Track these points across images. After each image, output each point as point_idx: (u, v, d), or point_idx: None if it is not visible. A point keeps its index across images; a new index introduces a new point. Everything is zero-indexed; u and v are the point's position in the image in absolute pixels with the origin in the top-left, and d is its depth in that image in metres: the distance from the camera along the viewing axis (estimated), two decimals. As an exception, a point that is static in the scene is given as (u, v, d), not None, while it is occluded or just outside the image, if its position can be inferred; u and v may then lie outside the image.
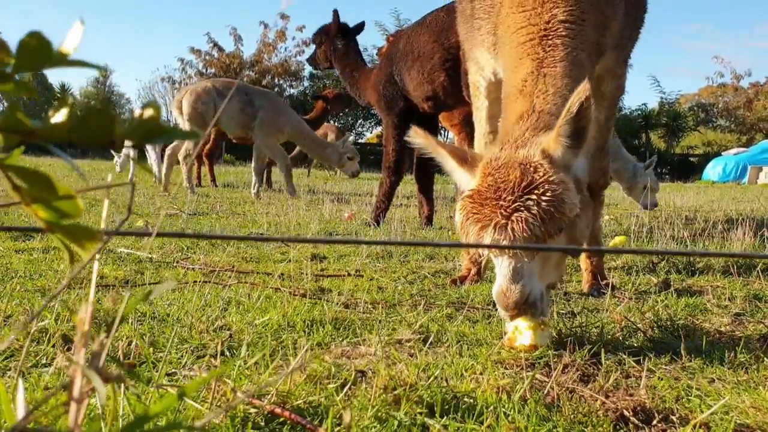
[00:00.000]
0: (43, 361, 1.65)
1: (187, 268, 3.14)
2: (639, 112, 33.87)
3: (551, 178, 1.84)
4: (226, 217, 5.76)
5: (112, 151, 13.69)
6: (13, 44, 0.46)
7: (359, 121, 35.14)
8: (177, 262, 3.32)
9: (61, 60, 0.45)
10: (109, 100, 43.83)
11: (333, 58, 6.26)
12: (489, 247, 1.86)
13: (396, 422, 1.28)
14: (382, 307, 2.41)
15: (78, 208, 0.52)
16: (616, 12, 2.53)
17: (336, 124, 23.95)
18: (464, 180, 2.06)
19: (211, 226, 4.93)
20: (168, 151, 9.00)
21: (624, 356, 1.83)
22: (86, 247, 0.54)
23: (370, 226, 5.27)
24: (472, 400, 1.40)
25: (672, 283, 2.98)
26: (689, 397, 1.56)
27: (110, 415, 0.61)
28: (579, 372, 1.70)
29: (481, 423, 1.31)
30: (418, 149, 2.13)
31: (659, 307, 2.50)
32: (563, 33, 2.23)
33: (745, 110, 36.25)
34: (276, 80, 30.86)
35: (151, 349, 1.74)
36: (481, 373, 1.62)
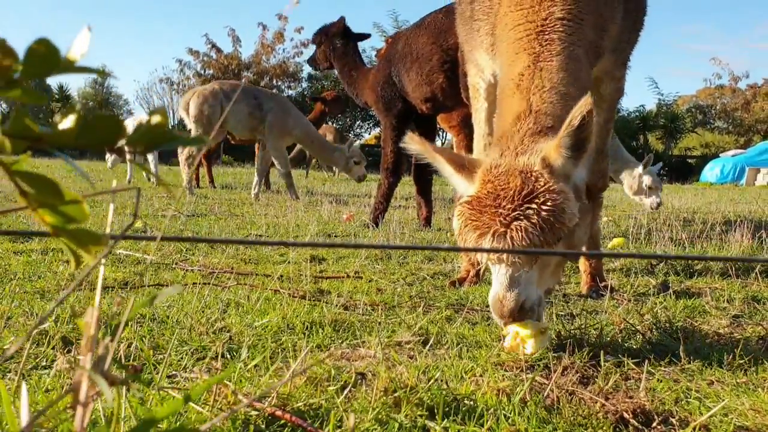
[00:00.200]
0: (43, 363, 1.65)
1: (186, 270, 3.14)
2: (637, 113, 33.89)
3: (552, 188, 1.83)
4: (225, 218, 5.76)
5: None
6: (16, 47, 0.46)
7: (357, 123, 35.16)
8: (176, 263, 3.32)
9: (69, 66, 0.45)
10: (107, 102, 43.79)
11: (332, 58, 6.27)
12: (488, 251, 1.85)
13: (397, 425, 1.28)
14: (382, 309, 2.42)
15: (84, 213, 0.52)
16: (615, 15, 2.53)
17: (334, 125, 23.97)
18: (462, 186, 2.05)
19: (209, 228, 4.93)
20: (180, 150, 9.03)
21: (623, 358, 1.84)
22: (92, 252, 0.54)
23: (368, 227, 5.28)
24: (472, 403, 1.40)
25: (670, 285, 2.99)
26: (688, 399, 1.56)
27: (114, 419, 0.61)
28: (578, 374, 1.70)
29: (482, 425, 1.32)
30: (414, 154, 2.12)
31: (658, 309, 2.51)
32: (560, 29, 2.23)
33: (742, 112, 36.30)
34: (274, 81, 30.84)
35: (152, 351, 1.74)
36: (481, 376, 1.62)
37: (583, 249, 3.11)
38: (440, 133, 17.61)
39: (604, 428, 1.35)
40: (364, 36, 6.42)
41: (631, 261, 3.73)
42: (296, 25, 32.68)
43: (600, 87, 2.88)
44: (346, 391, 1.44)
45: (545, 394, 1.51)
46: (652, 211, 7.45)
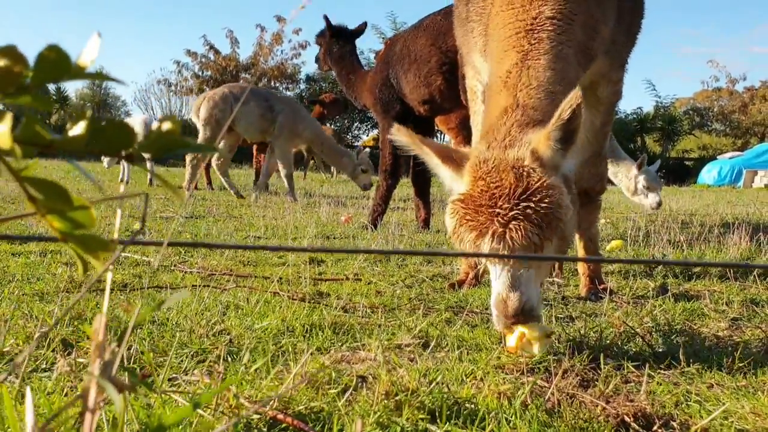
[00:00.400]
0: (43, 366, 1.65)
1: (185, 272, 3.14)
2: (634, 115, 33.94)
3: (546, 183, 1.82)
4: (223, 220, 5.76)
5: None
6: (19, 48, 0.46)
7: (355, 124, 35.15)
8: (174, 265, 3.31)
9: (79, 73, 0.45)
10: (104, 103, 43.74)
11: (330, 61, 6.28)
12: (489, 256, 1.85)
13: (398, 428, 1.28)
14: (381, 312, 2.42)
15: (92, 219, 0.52)
16: (607, 16, 2.53)
17: (333, 127, 23.95)
18: (448, 177, 2.03)
19: (207, 229, 4.92)
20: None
21: (623, 361, 1.84)
22: (100, 258, 0.54)
23: (367, 229, 5.28)
24: (473, 406, 1.40)
25: (669, 288, 3.00)
26: (688, 403, 1.57)
27: (121, 425, 0.61)
28: (579, 377, 1.70)
29: (483, 429, 1.32)
30: (405, 150, 2.10)
31: (657, 312, 2.51)
32: (549, 28, 2.23)
33: (740, 114, 36.38)
34: (272, 83, 30.82)
35: (152, 354, 1.74)
36: (481, 379, 1.62)
37: (580, 248, 3.13)
38: (438, 135, 17.63)
39: (605, 432, 1.35)
40: (359, 31, 6.40)
41: (630, 264, 3.73)
42: (294, 27, 32.64)
43: (597, 90, 2.88)
44: (347, 395, 1.44)
45: (546, 397, 1.51)
46: (652, 212, 7.45)
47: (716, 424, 1.41)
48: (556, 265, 3.28)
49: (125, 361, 1.65)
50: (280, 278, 2.95)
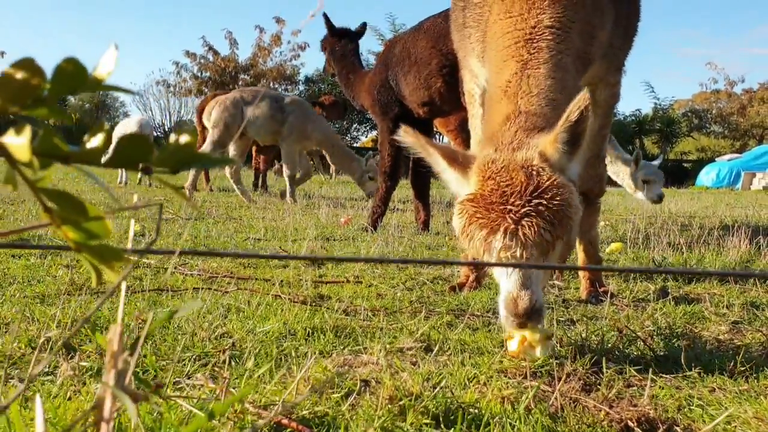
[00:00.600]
0: (46, 370, 1.65)
1: (186, 274, 3.13)
2: (633, 117, 33.97)
3: (556, 181, 1.83)
4: (223, 221, 5.76)
5: None
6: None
7: (354, 126, 35.15)
8: (176, 267, 3.31)
9: (96, 85, 0.45)
10: (103, 104, 43.71)
11: (332, 61, 6.28)
12: (494, 265, 1.85)
13: (402, 433, 1.28)
14: (383, 315, 2.42)
15: (107, 230, 0.52)
16: (604, 21, 2.53)
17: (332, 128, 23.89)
18: (455, 181, 2.03)
19: (207, 231, 4.92)
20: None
21: (625, 365, 1.84)
22: (114, 268, 0.54)
23: (367, 231, 5.28)
24: (477, 411, 1.41)
25: (669, 291, 3.00)
26: (691, 407, 1.57)
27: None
28: (581, 381, 1.70)
29: (487, 433, 1.32)
30: (412, 153, 2.10)
31: (658, 315, 2.51)
32: (549, 37, 2.24)
33: (738, 116, 36.39)
34: (271, 84, 30.82)
35: (154, 357, 1.74)
36: (485, 383, 1.62)
37: (580, 251, 3.13)
38: (437, 136, 17.64)
39: (608, 436, 1.36)
40: (360, 32, 6.40)
41: (630, 266, 3.74)
42: (293, 28, 32.64)
43: (594, 93, 2.88)
44: (350, 399, 1.44)
45: (550, 402, 1.51)
46: (655, 205, 7.45)
47: (719, 429, 1.42)
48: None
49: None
50: (281, 281, 2.95)
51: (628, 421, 1.39)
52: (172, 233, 4.72)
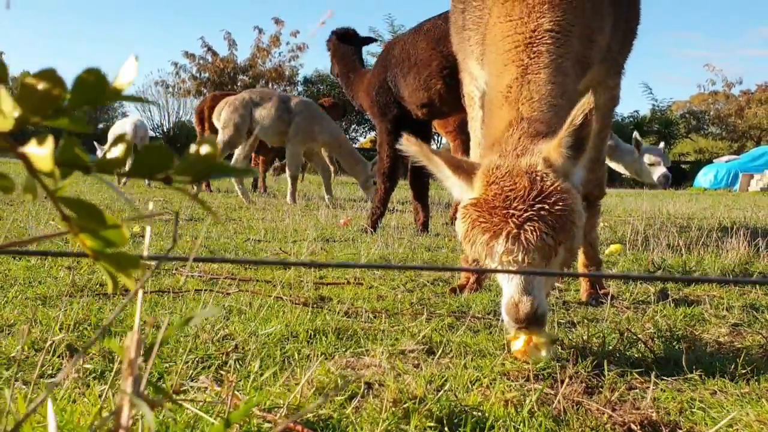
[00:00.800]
0: (49, 372, 1.65)
1: (187, 276, 3.13)
2: (631, 119, 33.99)
3: (560, 187, 1.83)
4: (222, 222, 5.76)
5: (95, 143, 13.59)
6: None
7: (353, 126, 35.17)
8: (176, 269, 3.31)
9: (116, 95, 0.46)
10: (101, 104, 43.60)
11: (335, 60, 6.28)
12: (495, 272, 1.85)
13: (407, 436, 1.28)
14: (384, 317, 2.42)
15: (124, 238, 0.52)
16: (604, 25, 2.54)
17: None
18: (458, 188, 2.03)
19: (207, 232, 4.92)
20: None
21: (626, 368, 1.85)
22: (131, 276, 0.55)
23: (367, 232, 5.28)
24: (480, 414, 1.41)
25: (669, 293, 3.00)
26: (693, 410, 1.57)
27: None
28: (583, 384, 1.70)
29: (490, 436, 1.32)
30: (412, 160, 2.10)
31: (658, 317, 2.52)
32: (548, 41, 2.24)
33: (736, 118, 36.44)
34: (270, 85, 30.83)
35: (158, 359, 1.74)
36: (488, 386, 1.62)
37: (580, 253, 3.14)
38: (435, 137, 17.64)
39: (611, 439, 1.36)
40: (366, 39, 6.42)
41: (630, 268, 3.74)
42: (292, 29, 32.65)
43: (594, 96, 2.89)
44: (354, 402, 1.45)
45: (553, 405, 1.52)
46: (653, 207, 7.46)
47: (721, 432, 1.42)
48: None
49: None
50: (282, 282, 2.96)
51: (631, 425, 1.40)
52: (172, 234, 4.72)
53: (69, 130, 0.45)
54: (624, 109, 41.27)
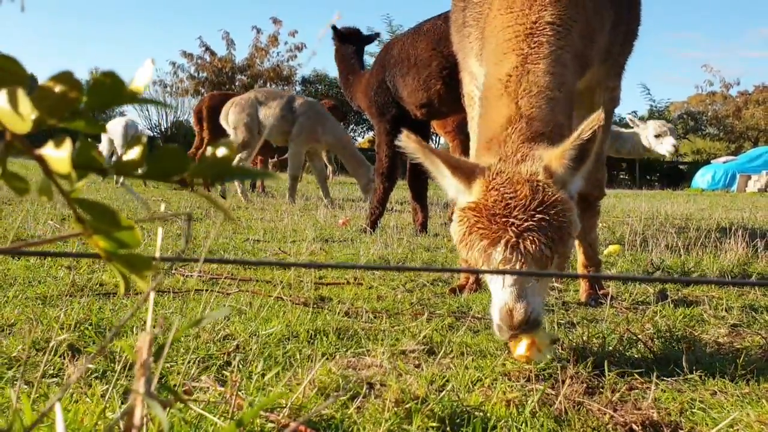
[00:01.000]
0: (50, 372, 1.65)
1: (186, 276, 3.14)
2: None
3: (560, 198, 1.84)
4: (221, 222, 5.75)
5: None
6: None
7: (351, 126, 35.16)
8: (175, 269, 3.31)
9: (132, 98, 0.46)
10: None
11: (336, 60, 6.28)
12: (494, 272, 1.85)
13: (409, 436, 1.29)
14: (385, 317, 2.42)
15: (137, 239, 0.53)
16: (604, 25, 2.55)
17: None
18: (454, 188, 2.02)
19: (206, 232, 4.93)
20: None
21: (627, 368, 1.85)
22: (144, 277, 0.55)
23: (366, 232, 5.29)
24: (482, 414, 1.41)
25: (669, 294, 3.01)
26: (693, 411, 1.58)
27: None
28: (584, 384, 1.71)
29: (493, 437, 1.33)
30: (409, 157, 2.09)
31: (658, 318, 2.53)
32: (549, 33, 2.25)
33: (734, 119, 36.46)
34: (268, 85, 30.80)
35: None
36: (489, 387, 1.63)
37: (580, 254, 3.15)
38: (434, 138, 17.66)
39: (613, 439, 1.37)
40: (369, 38, 6.41)
41: (628, 269, 3.75)
42: (290, 29, 32.64)
43: (594, 97, 2.90)
44: (356, 402, 1.45)
45: (554, 406, 1.52)
46: (651, 207, 7.45)
47: (722, 433, 1.43)
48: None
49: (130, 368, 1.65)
50: (281, 281, 2.96)
51: (633, 425, 1.40)
52: (171, 234, 4.72)
53: (85, 133, 0.46)
54: (622, 109, 41.29)
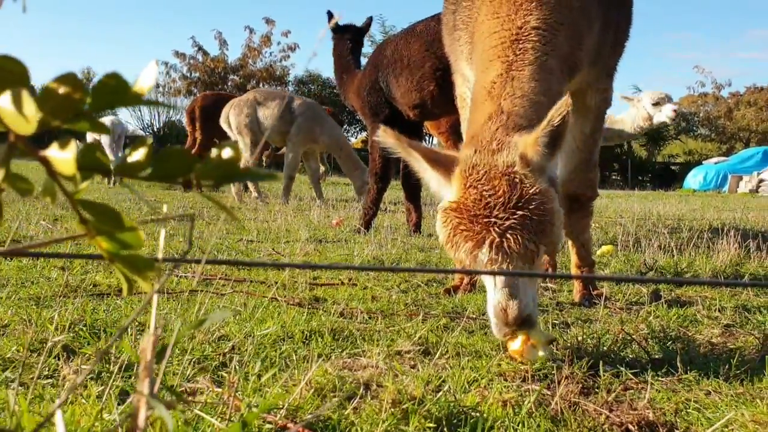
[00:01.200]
0: (45, 373, 1.65)
1: (180, 276, 3.13)
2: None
3: (539, 190, 1.84)
4: (215, 222, 5.74)
5: (76, 141, 13.62)
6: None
7: (344, 126, 35.14)
8: (170, 270, 3.29)
9: (136, 99, 0.46)
10: (91, 103, 43.38)
11: (333, 57, 6.26)
12: (485, 273, 1.86)
13: (406, 437, 1.29)
14: (380, 317, 2.42)
15: (140, 240, 0.53)
16: (592, 26, 2.55)
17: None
18: (436, 182, 2.02)
19: (200, 232, 4.91)
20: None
21: (621, 368, 1.86)
22: (147, 278, 0.55)
23: (359, 232, 5.29)
24: (479, 415, 1.42)
25: (662, 294, 3.02)
26: (688, 410, 1.59)
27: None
28: (579, 385, 1.71)
29: (489, 437, 1.33)
30: (393, 152, 2.08)
31: (652, 318, 2.54)
32: (534, 38, 2.25)
33: (725, 120, 36.66)
34: (261, 85, 30.77)
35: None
36: (485, 387, 1.63)
37: (573, 254, 3.15)
38: (427, 138, 17.67)
39: (608, 439, 1.37)
40: (363, 27, 6.37)
41: (622, 269, 3.76)
42: (283, 29, 32.60)
43: (585, 98, 2.90)
44: (353, 402, 1.45)
45: (551, 406, 1.52)
46: (644, 206, 7.43)
47: (717, 432, 1.43)
48: (546, 261, 3.28)
49: (126, 368, 1.65)
50: (276, 282, 2.95)
51: (629, 425, 1.41)
52: (167, 234, 4.70)
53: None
54: (614, 111, 41.39)
